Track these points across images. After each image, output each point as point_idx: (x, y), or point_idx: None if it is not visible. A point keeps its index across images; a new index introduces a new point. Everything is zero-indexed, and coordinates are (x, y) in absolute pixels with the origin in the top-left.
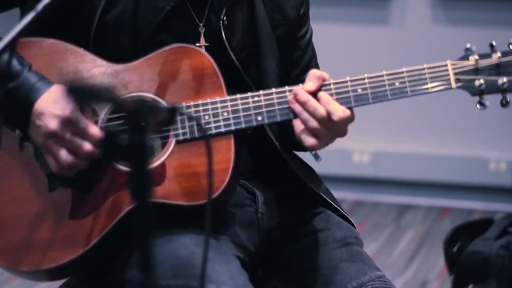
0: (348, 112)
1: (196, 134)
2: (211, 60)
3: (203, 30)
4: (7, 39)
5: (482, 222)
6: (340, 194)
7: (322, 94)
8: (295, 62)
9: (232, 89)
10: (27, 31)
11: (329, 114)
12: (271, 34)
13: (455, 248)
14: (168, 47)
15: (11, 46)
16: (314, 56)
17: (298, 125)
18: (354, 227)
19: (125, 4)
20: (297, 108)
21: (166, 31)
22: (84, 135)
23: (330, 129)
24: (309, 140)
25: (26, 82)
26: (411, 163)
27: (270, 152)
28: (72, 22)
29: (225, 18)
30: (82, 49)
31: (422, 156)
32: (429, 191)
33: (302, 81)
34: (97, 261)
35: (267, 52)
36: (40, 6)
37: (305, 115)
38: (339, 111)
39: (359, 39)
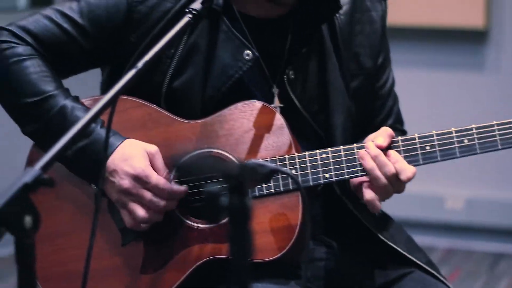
0: (415, 172)
1: (265, 191)
2: (280, 116)
3: (277, 91)
4: (109, 95)
5: None
6: (431, 241)
7: (392, 152)
8: (376, 111)
9: (302, 139)
10: (127, 88)
11: (397, 172)
12: (342, 87)
13: None
14: (238, 104)
15: (113, 103)
16: (395, 103)
17: (361, 178)
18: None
19: (194, 71)
20: (369, 164)
21: (236, 96)
22: (157, 190)
23: (394, 186)
24: (369, 194)
25: (98, 139)
26: (506, 209)
27: (342, 207)
28: (143, 86)
29: (290, 73)
30: (155, 106)
31: None
32: None
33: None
34: None
35: (336, 106)
36: (140, 64)
37: (377, 172)
38: (407, 171)
39: (450, 86)
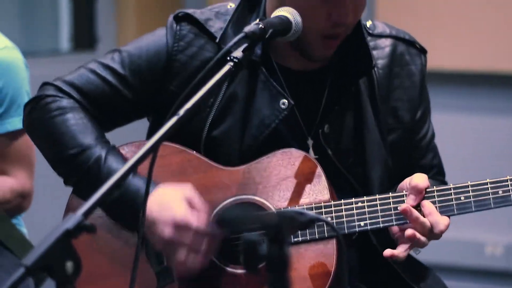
0: (448, 224)
1: (300, 238)
2: (318, 164)
3: (312, 143)
4: (150, 143)
5: None
6: (470, 287)
7: (426, 204)
8: (415, 164)
9: (339, 191)
10: (168, 135)
11: (431, 225)
12: (378, 140)
13: None
14: (277, 152)
15: (155, 150)
16: (436, 155)
17: (397, 229)
18: None
19: (233, 120)
20: (413, 215)
21: (272, 145)
22: (199, 233)
23: (428, 237)
24: (404, 246)
25: (131, 189)
26: None
27: (378, 257)
28: (183, 134)
29: (326, 127)
30: (194, 152)
31: None
32: None
33: None
34: None
35: (373, 159)
36: (182, 111)
37: (421, 226)
38: (440, 224)
39: (493, 131)
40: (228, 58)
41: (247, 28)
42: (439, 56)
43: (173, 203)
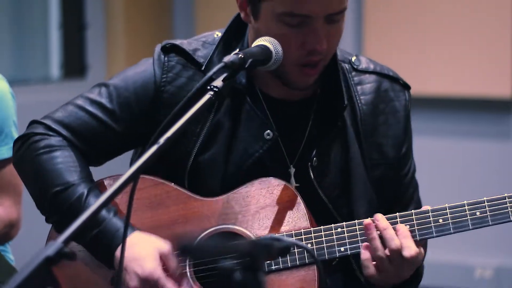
0: (418, 252)
1: (281, 265)
2: (296, 192)
3: (293, 171)
4: (130, 171)
5: None
6: None
7: (401, 227)
8: (397, 199)
9: (320, 219)
10: (148, 165)
11: (402, 248)
12: (364, 175)
13: None
14: (255, 181)
15: (135, 179)
16: (416, 190)
17: (364, 252)
18: None
19: (218, 148)
20: (371, 234)
21: (254, 173)
22: None
23: (395, 264)
24: (369, 270)
25: (109, 228)
26: None
27: (359, 281)
28: (168, 161)
29: (314, 160)
30: (173, 184)
31: None
32: None
33: None
34: None
35: (359, 194)
36: (162, 140)
37: (376, 243)
38: (412, 249)
39: (476, 155)
40: (208, 87)
41: (227, 58)
42: (425, 82)
43: (146, 256)
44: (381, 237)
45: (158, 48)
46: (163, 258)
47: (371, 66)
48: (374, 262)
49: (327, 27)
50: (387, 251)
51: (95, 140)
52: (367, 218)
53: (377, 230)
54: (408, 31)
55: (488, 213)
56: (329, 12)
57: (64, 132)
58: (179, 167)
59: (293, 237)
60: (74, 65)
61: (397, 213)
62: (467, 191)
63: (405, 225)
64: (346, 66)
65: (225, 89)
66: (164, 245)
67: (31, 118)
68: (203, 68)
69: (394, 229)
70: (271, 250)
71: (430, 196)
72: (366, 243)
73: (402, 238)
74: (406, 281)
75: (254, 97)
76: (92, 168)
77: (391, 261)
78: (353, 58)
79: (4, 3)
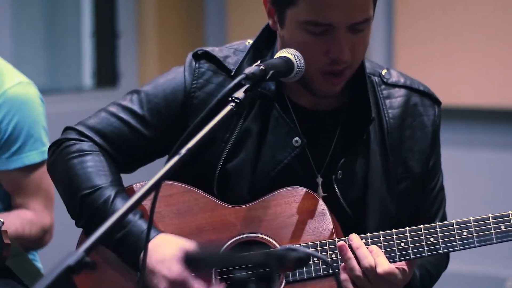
0: (392, 267)
1: (305, 275)
2: (322, 202)
3: (321, 181)
4: (152, 181)
5: None
6: None
7: (374, 247)
8: (421, 214)
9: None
10: (170, 174)
11: (376, 265)
12: (382, 190)
13: None
14: (282, 190)
15: (157, 187)
16: (441, 205)
17: (342, 273)
18: None
19: (246, 155)
20: (346, 254)
21: (282, 181)
22: None
23: (372, 282)
24: (344, 276)
25: (134, 230)
26: None
27: None
28: (196, 168)
29: (339, 173)
30: (201, 191)
31: None
32: None
33: None
34: None
35: (371, 208)
36: (183, 151)
37: (352, 263)
38: (385, 265)
39: (507, 166)
40: (230, 99)
41: (247, 70)
42: (455, 93)
43: (171, 256)
44: (356, 257)
45: (190, 55)
46: None
47: (402, 80)
48: (353, 282)
49: (351, 37)
50: (362, 270)
51: (126, 146)
52: (379, 232)
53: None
54: (439, 43)
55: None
56: (352, 22)
57: (96, 138)
58: (208, 174)
59: (317, 247)
60: (107, 74)
61: (422, 225)
62: (496, 202)
63: (430, 237)
64: (376, 79)
65: (246, 100)
66: (189, 245)
67: (63, 127)
68: (232, 73)
69: (368, 249)
70: (285, 261)
71: (457, 207)
72: (342, 264)
73: (375, 256)
74: None
75: (282, 104)
76: (126, 176)
77: (368, 279)
78: (384, 71)
79: (37, 12)
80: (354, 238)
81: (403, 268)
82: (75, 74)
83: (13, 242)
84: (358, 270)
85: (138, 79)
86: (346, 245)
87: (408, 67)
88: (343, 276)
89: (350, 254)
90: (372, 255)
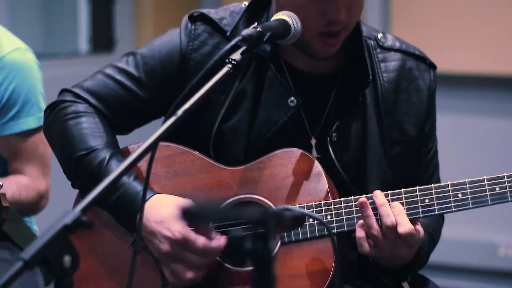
0: (412, 229)
1: (300, 236)
2: (318, 163)
3: (315, 143)
4: (149, 142)
5: None
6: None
7: (397, 204)
8: (416, 178)
9: (338, 191)
10: (166, 135)
11: (397, 224)
12: (379, 153)
13: None
14: (278, 151)
15: (153, 148)
16: (435, 170)
17: (359, 230)
18: None
19: (242, 115)
20: (366, 212)
21: (277, 142)
22: (198, 251)
23: (390, 242)
24: (364, 248)
25: (129, 192)
26: None
27: None
28: (193, 129)
29: (334, 135)
30: (197, 152)
31: None
32: None
33: None
34: None
35: (373, 171)
36: (180, 112)
37: (371, 220)
38: (406, 225)
39: (499, 132)
40: (227, 60)
41: (245, 32)
42: (451, 59)
43: (168, 215)
44: (376, 215)
45: (185, 17)
46: None
47: (397, 44)
48: (369, 240)
49: None
50: (382, 228)
51: (122, 108)
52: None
53: (373, 207)
54: (435, 9)
55: (507, 189)
56: None
57: (92, 99)
58: (204, 136)
59: (313, 208)
60: (103, 39)
61: (417, 187)
62: (489, 167)
63: (425, 198)
64: (372, 42)
65: (243, 62)
66: (185, 202)
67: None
68: (227, 34)
69: (390, 206)
70: (282, 220)
71: (452, 172)
72: (361, 221)
73: (397, 215)
74: (406, 265)
75: (277, 66)
76: (122, 137)
77: (386, 238)
78: (379, 35)
79: None
80: (379, 195)
81: (419, 230)
82: (71, 39)
83: (10, 206)
84: (376, 229)
85: (134, 44)
86: (367, 201)
87: (404, 31)
88: (360, 233)
89: (370, 211)
90: (394, 213)
